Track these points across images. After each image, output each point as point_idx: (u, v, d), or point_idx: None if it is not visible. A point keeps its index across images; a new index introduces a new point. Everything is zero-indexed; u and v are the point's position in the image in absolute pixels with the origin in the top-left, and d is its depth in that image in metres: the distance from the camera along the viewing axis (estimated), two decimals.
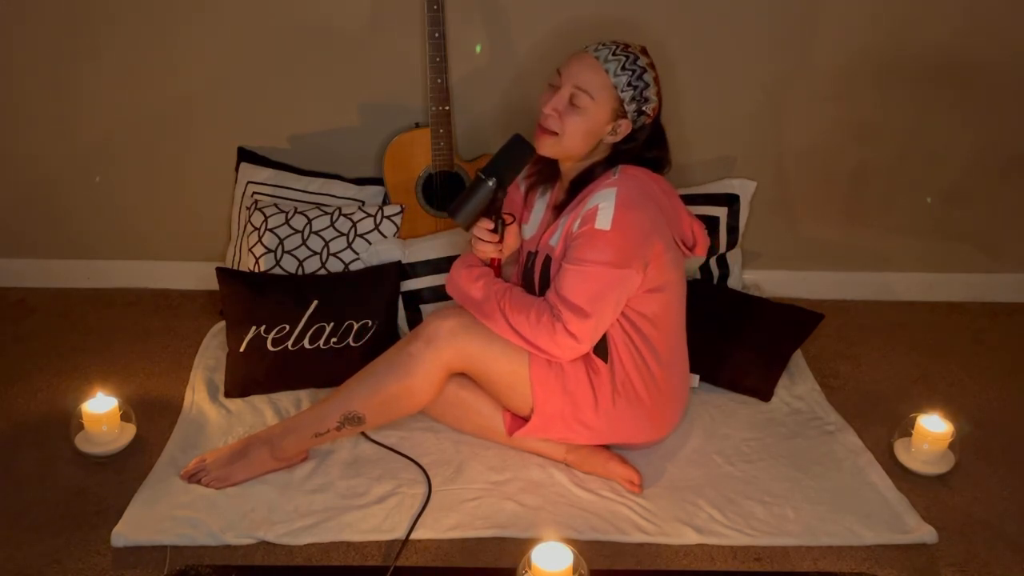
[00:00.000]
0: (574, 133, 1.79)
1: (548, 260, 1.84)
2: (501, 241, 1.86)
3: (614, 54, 1.78)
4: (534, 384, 1.82)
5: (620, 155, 1.83)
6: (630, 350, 1.84)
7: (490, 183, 1.77)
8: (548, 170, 1.96)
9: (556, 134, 1.80)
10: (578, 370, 1.83)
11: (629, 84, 1.77)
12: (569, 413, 1.84)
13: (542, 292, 1.86)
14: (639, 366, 1.85)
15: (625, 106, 1.78)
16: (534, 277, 1.89)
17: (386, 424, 1.98)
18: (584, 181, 1.84)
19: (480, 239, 1.84)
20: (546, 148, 1.83)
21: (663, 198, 1.81)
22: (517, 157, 1.82)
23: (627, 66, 1.77)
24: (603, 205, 1.73)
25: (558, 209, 1.88)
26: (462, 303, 1.85)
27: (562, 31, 2.43)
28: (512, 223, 1.88)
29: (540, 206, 1.98)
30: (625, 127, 1.80)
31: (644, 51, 1.83)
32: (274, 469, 1.89)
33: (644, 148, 1.84)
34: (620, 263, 1.73)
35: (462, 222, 1.80)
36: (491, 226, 1.83)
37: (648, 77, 1.79)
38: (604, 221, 1.72)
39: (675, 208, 1.85)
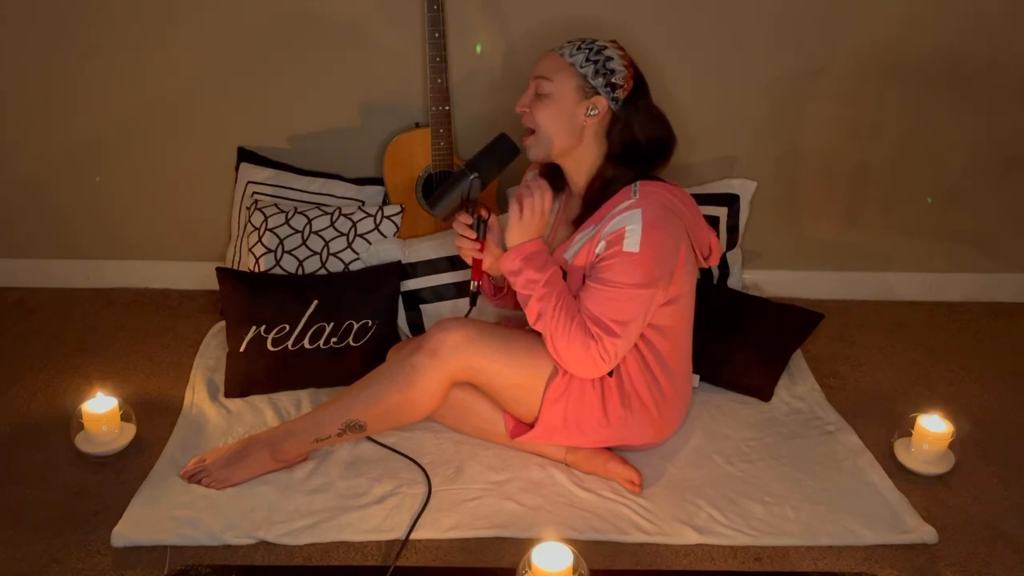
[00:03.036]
0: (547, 120, 1.80)
1: (561, 273, 1.84)
2: (482, 239, 1.87)
3: (569, 42, 1.81)
4: (546, 398, 1.82)
5: (615, 145, 1.81)
6: (639, 362, 1.84)
7: (471, 176, 1.81)
8: (554, 181, 1.94)
9: (534, 131, 1.82)
10: (584, 382, 1.82)
11: (587, 60, 1.77)
12: (572, 422, 1.84)
13: None
14: (647, 377, 1.85)
15: (590, 80, 1.77)
16: None
17: (388, 431, 1.98)
18: (598, 195, 1.82)
19: (460, 235, 1.87)
20: (532, 150, 1.85)
21: (684, 211, 1.81)
22: (500, 155, 1.85)
23: (582, 47, 1.79)
24: (630, 228, 1.72)
25: (573, 224, 1.87)
26: (516, 279, 1.79)
27: (562, 31, 2.42)
28: (489, 218, 1.88)
29: (549, 218, 1.97)
30: (601, 104, 1.79)
31: (612, 41, 1.84)
32: (274, 470, 1.89)
33: (639, 130, 1.81)
34: (648, 283, 1.73)
35: (439, 213, 1.83)
36: (470, 221, 1.85)
37: (608, 52, 1.79)
38: (632, 244, 1.71)
39: (695, 219, 1.85)
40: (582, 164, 1.85)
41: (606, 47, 1.80)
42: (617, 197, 1.79)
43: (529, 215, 1.78)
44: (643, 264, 1.72)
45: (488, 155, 1.85)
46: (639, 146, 1.81)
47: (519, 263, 1.78)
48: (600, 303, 1.73)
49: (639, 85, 1.82)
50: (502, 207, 2.56)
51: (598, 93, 1.78)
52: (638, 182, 1.79)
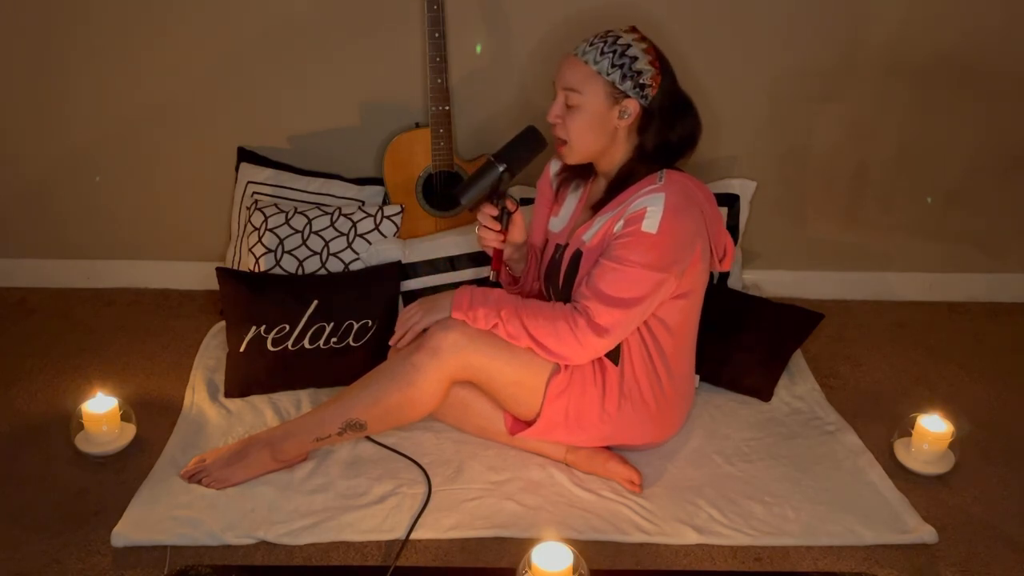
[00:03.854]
0: (579, 132, 1.80)
1: (578, 254, 1.84)
2: (504, 230, 1.87)
3: (591, 44, 1.79)
4: (548, 392, 1.82)
5: (647, 144, 1.81)
6: (644, 358, 1.84)
7: (500, 168, 1.81)
8: (580, 166, 1.95)
9: (567, 141, 1.82)
10: (586, 377, 1.83)
11: (613, 65, 1.76)
12: (573, 419, 1.85)
13: (567, 284, 1.86)
14: (649, 373, 1.85)
15: (619, 86, 1.76)
16: (560, 269, 1.88)
17: (388, 430, 1.98)
18: (624, 181, 1.82)
19: (484, 226, 1.87)
20: (567, 158, 1.86)
21: (706, 205, 1.81)
22: (529, 148, 1.86)
23: (605, 50, 1.77)
24: (651, 209, 1.72)
25: (595, 208, 1.87)
26: (478, 325, 1.80)
27: (562, 30, 2.43)
28: (516, 211, 1.88)
29: (572, 201, 1.98)
30: (633, 106, 1.78)
31: (632, 29, 1.82)
32: (274, 470, 1.88)
33: (666, 127, 1.80)
34: (661, 267, 1.73)
35: (466, 203, 1.83)
36: (495, 212, 1.86)
37: (634, 51, 1.77)
38: (651, 224, 1.71)
39: (715, 217, 1.85)
40: (614, 158, 1.85)
41: (629, 45, 1.77)
42: (642, 183, 1.80)
43: (424, 315, 1.83)
44: (659, 246, 1.72)
45: (517, 147, 1.85)
46: (670, 143, 1.82)
47: (468, 314, 1.78)
48: (608, 279, 1.73)
49: (666, 76, 1.81)
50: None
51: (628, 96, 1.77)
52: (664, 171, 1.80)
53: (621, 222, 1.75)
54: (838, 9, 2.44)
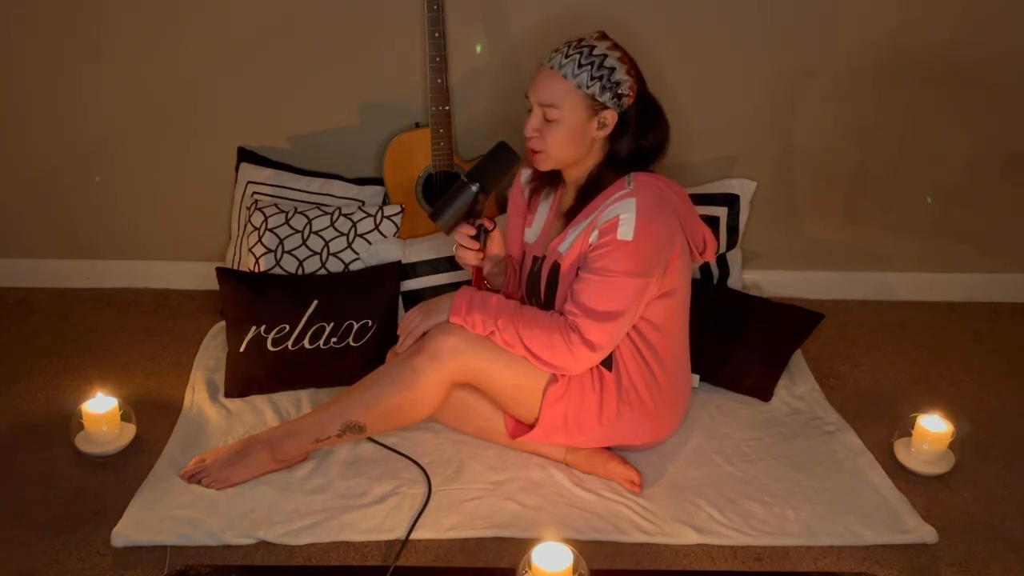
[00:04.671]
0: (558, 144, 1.78)
1: (556, 266, 1.84)
2: (483, 248, 1.87)
3: (567, 56, 1.76)
4: (546, 398, 1.82)
5: (620, 151, 1.80)
6: (636, 359, 1.84)
7: (473, 188, 1.79)
8: (550, 174, 1.95)
9: (542, 151, 1.80)
10: (584, 381, 1.83)
11: (592, 77, 1.74)
12: (572, 422, 1.85)
13: (548, 297, 1.86)
14: (644, 374, 1.85)
15: (598, 98, 1.75)
16: (540, 282, 1.88)
17: (387, 432, 1.98)
18: (593, 187, 1.82)
19: (462, 245, 1.86)
20: (541, 164, 1.84)
21: (679, 203, 1.81)
22: (501, 164, 1.84)
23: (583, 62, 1.75)
24: (624, 216, 1.71)
25: (567, 216, 1.86)
26: (475, 330, 1.80)
27: (562, 30, 2.41)
28: (494, 229, 1.88)
29: (543, 210, 1.97)
30: (611, 116, 1.77)
31: (602, 36, 1.80)
32: (274, 470, 1.89)
33: (640, 135, 1.80)
34: (641, 272, 1.73)
35: (443, 225, 1.82)
36: (472, 232, 1.84)
37: (610, 61, 1.75)
38: (626, 232, 1.71)
39: (689, 212, 1.84)
40: (585, 166, 1.85)
41: (606, 55, 1.76)
42: (611, 188, 1.79)
43: (424, 318, 1.83)
44: (637, 253, 1.72)
45: (489, 165, 1.83)
46: (642, 150, 1.82)
47: (466, 319, 1.79)
48: (592, 292, 1.73)
49: (641, 84, 1.81)
50: (500, 207, 2.56)
51: (607, 107, 1.77)
52: (632, 173, 1.79)
53: (595, 232, 1.75)
54: (837, 9, 2.44)
